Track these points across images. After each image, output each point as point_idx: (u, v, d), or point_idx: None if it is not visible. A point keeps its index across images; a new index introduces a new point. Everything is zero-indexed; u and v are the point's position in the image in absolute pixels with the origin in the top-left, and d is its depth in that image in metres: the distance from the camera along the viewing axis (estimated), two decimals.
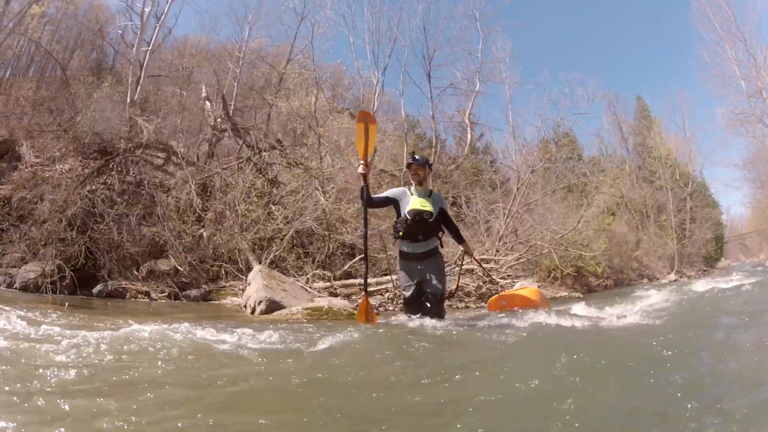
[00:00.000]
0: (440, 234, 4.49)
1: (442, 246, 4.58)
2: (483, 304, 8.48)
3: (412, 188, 4.45)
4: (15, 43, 17.95)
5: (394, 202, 4.41)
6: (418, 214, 4.23)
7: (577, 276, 16.24)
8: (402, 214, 4.31)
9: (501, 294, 5.61)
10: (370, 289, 4.55)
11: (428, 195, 4.42)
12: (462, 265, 5.98)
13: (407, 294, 4.35)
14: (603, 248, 17.21)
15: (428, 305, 4.22)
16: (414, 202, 4.31)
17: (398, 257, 4.51)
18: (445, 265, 5.44)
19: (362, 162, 4.30)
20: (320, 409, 1.73)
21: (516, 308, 5.14)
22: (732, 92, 26.39)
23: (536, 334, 3.36)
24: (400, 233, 4.29)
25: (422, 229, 4.28)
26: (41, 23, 18.02)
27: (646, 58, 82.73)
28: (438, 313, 4.19)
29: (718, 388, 1.92)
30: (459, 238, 4.82)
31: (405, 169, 4.64)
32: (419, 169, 4.41)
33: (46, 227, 8.42)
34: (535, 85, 39.64)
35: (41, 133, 11.83)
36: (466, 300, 9.58)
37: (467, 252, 5.14)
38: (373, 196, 4.43)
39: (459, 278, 5.61)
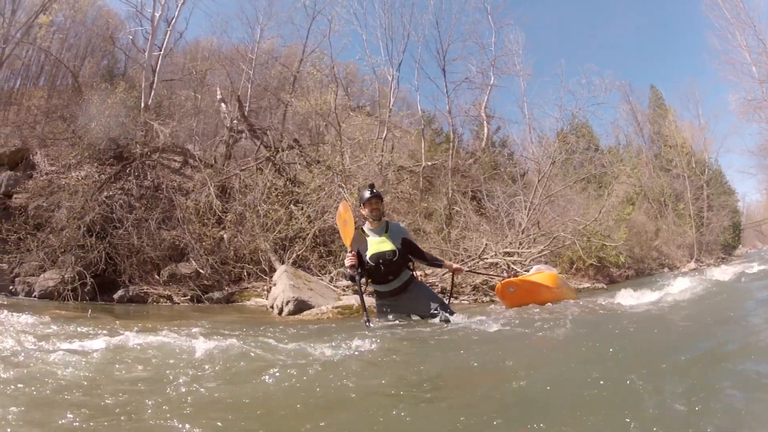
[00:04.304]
0: (411, 265, 4.12)
1: (413, 271, 4.16)
2: None
3: (365, 227, 4.08)
4: (24, 53, 17.96)
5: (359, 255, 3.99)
6: (380, 257, 3.90)
7: (599, 267, 15.96)
8: (364, 260, 3.93)
9: (508, 280, 4.83)
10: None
11: (385, 230, 4.03)
12: (452, 293, 5.08)
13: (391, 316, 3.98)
14: (624, 238, 16.88)
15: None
16: (371, 245, 3.94)
17: (374, 297, 4.19)
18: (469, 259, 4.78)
19: (351, 254, 3.90)
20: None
21: (529, 302, 4.59)
22: (744, 78, 26.04)
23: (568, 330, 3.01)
24: (369, 279, 3.98)
25: (388, 270, 3.93)
26: (50, 32, 17.98)
27: (658, 47, 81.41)
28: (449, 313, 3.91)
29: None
30: (433, 262, 4.42)
31: (361, 205, 4.08)
32: (379, 203, 4.05)
33: (65, 234, 8.34)
34: (551, 77, 39.64)
35: (55, 141, 11.78)
36: (491, 294, 9.36)
37: (453, 270, 4.62)
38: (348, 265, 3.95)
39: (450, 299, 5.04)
